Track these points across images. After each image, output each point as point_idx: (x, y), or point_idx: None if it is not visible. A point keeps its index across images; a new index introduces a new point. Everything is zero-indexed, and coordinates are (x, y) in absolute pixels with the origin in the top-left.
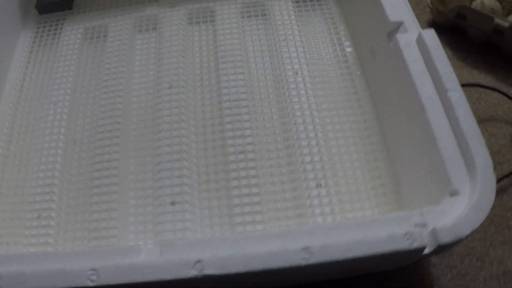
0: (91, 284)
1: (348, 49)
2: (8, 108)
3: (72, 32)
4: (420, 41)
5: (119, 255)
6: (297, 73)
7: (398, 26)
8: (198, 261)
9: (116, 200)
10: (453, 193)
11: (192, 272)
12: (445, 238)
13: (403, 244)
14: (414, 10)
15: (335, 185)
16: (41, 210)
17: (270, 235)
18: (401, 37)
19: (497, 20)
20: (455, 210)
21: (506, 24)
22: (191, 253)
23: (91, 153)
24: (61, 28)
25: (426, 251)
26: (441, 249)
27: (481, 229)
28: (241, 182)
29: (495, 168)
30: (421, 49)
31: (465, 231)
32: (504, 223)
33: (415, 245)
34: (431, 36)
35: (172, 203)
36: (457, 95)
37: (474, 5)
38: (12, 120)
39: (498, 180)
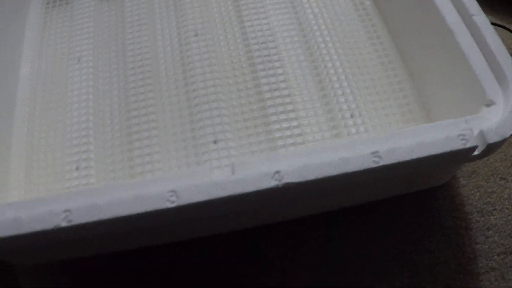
0: (171, 205)
1: None
2: (29, 66)
3: None
4: None
5: (193, 177)
6: (317, 16)
7: None
8: (277, 172)
9: (157, 144)
10: (489, 104)
11: (272, 183)
12: (493, 138)
13: (458, 144)
14: None
15: (368, 114)
16: (80, 161)
17: (339, 145)
18: None
19: None
20: (494, 116)
21: None
22: (266, 166)
23: (124, 102)
24: None
25: (477, 151)
26: (489, 149)
27: (501, 151)
28: (280, 116)
29: None
30: None
31: (508, 131)
32: None
33: (468, 144)
34: None
35: (215, 141)
36: (482, 19)
37: None
38: (35, 79)
39: None
